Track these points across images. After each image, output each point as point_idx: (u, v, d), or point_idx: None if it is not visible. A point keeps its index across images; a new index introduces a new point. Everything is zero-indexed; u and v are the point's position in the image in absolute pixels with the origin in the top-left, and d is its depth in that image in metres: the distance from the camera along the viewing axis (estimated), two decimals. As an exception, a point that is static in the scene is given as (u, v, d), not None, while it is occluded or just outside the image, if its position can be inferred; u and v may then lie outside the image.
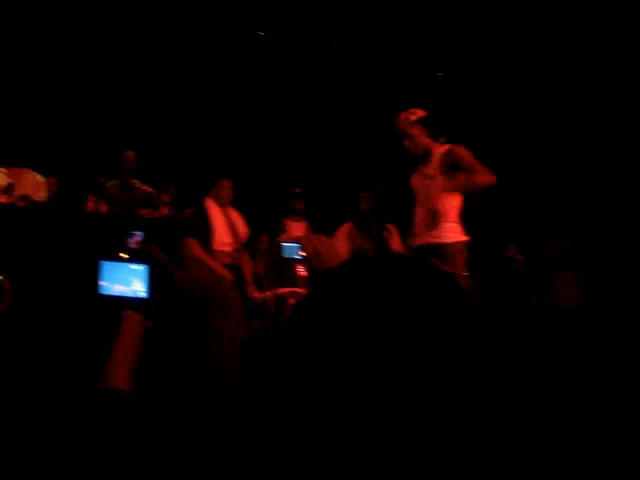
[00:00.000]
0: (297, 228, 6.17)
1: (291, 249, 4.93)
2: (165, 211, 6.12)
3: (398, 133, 4.40)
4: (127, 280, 1.88)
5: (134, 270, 1.88)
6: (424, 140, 4.33)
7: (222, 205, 5.85)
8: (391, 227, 6.26)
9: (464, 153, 4.20)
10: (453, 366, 0.78)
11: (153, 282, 1.86)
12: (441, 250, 4.13)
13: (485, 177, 4.12)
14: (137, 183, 6.37)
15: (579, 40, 6.80)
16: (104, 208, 6.04)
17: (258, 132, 7.80)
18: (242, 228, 5.95)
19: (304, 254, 4.72)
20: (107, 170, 6.45)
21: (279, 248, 5.27)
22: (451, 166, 4.20)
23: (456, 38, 7.45)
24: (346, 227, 6.23)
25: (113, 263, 1.95)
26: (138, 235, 5.44)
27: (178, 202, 6.21)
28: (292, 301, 5.78)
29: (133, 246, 5.34)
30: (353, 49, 7.86)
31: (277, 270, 5.97)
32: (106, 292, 1.93)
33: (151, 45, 7.26)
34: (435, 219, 4.22)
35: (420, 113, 4.37)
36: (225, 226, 5.79)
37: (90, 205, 5.96)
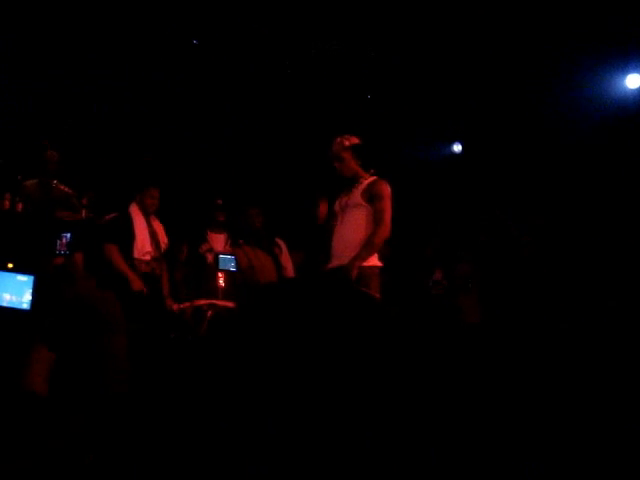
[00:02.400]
0: (218, 240, 6.13)
1: (226, 260, 4.94)
2: (83, 214, 5.98)
3: (331, 155, 4.52)
4: (12, 290, 1.84)
5: (19, 281, 1.85)
6: (353, 166, 4.48)
7: (146, 213, 5.77)
8: (280, 242, 6.34)
9: (384, 192, 4.36)
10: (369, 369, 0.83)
11: (38, 294, 1.84)
12: (358, 273, 4.19)
13: (381, 234, 4.27)
14: (56, 183, 6.19)
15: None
16: (20, 207, 5.87)
17: (184, 140, 7.74)
18: (163, 238, 5.86)
19: (238, 266, 4.69)
20: (27, 169, 6.26)
21: (216, 259, 5.25)
22: (369, 198, 4.36)
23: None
24: (242, 247, 6.13)
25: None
26: (65, 237, 5.29)
27: (97, 206, 6.10)
28: (210, 313, 5.77)
29: (62, 249, 5.21)
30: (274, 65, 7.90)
31: (196, 281, 5.94)
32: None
33: (84, 42, 7.09)
34: (353, 244, 4.31)
35: (354, 140, 4.52)
36: (147, 234, 5.70)
37: (6, 203, 5.79)
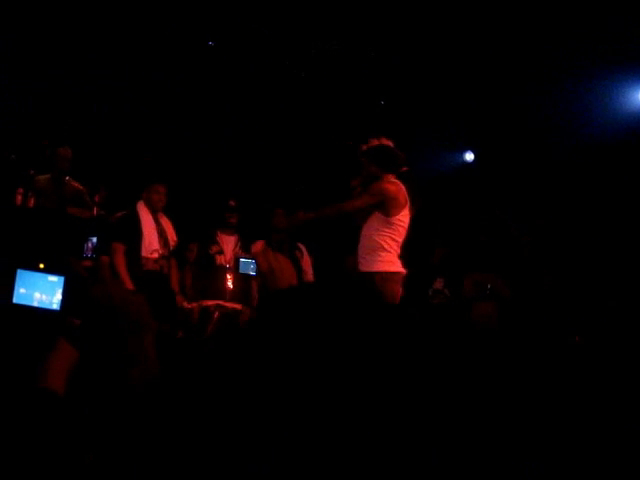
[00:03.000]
0: (228, 241, 6.10)
1: (246, 265, 4.96)
2: (94, 212, 5.99)
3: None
4: (43, 290, 1.85)
5: (50, 281, 1.85)
6: (372, 170, 4.46)
7: (154, 211, 5.73)
8: (301, 246, 6.29)
9: (374, 189, 4.37)
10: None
11: (68, 294, 1.84)
12: (371, 278, 4.22)
13: (339, 208, 4.47)
14: (68, 180, 6.21)
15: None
16: (32, 202, 5.88)
17: (198, 139, 7.76)
18: (172, 235, 5.82)
19: (258, 270, 4.72)
20: (40, 164, 6.28)
21: (237, 263, 5.22)
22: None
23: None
24: (259, 244, 6.13)
25: (30, 272, 1.91)
26: (91, 241, 5.31)
27: (109, 204, 6.10)
28: (217, 314, 5.76)
29: (88, 253, 5.22)
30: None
31: (204, 281, 5.92)
32: (20, 301, 1.90)
33: (91, 41, 7.11)
34: (368, 249, 4.34)
35: (373, 143, 4.50)
36: (155, 232, 5.65)
37: (18, 198, 5.81)
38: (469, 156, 9.05)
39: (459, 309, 6.02)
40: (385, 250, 4.30)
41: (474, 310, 5.98)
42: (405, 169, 4.50)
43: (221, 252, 5.97)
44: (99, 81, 7.21)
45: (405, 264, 4.44)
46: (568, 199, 7.68)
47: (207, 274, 5.93)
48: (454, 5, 6.81)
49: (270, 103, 7.97)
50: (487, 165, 8.72)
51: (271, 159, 8.10)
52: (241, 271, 5.02)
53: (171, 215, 5.95)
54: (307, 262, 6.22)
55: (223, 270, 5.88)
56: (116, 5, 6.75)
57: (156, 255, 5.61)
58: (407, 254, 6.80)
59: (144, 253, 5.53)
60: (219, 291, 5.84)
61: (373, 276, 4.24)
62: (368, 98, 8.11)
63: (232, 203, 6.16)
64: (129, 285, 5.27)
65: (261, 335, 0.92)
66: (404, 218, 4.39)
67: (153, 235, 5.63)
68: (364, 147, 4.53)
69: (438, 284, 6.38)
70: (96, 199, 6.05)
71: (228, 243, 6.04)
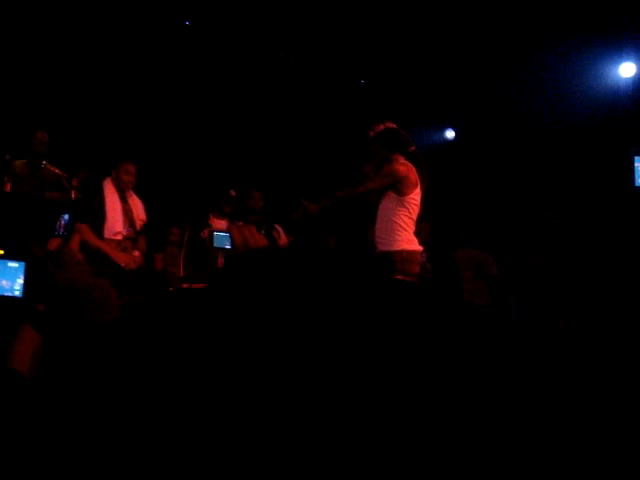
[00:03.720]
0: (220, 224, 6.00)
1: (221, 238, 4.90)
2: (73, 195, 5.90)
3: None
4: (3, 276, 1.82)
5: (11, 267, 1.82)
6: (382, 154, 4.64)
7: (121, 190, 5.52)
8: (278, 227, 6.32)
9: (386, 170, 4.55)
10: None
11: (30, 281, 1.81)
12: (392, 257, 4.42)
13: (355, 190, 4.65)
14: (45, 164, 6.12)
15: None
16: (9, 187, 5.82)
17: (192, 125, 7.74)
18: (140, 215, 5.62)
19: (233, 243, 4.65)
20: (17, 149, 6.20)
21: (211, 236, 5.17)
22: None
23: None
24: (237, 224, 6.11)
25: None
26: (63, 218, 5.15)
27: (88, 187, 6.01)
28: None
29: (60, 230, 5.08)
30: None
31: (196, 264, 5.89)
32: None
33: (65, 31, 7.02)
34: (386, 231, 4.51)
35: (378, 129, 4.68)
36: (120, 213, 5.45)
37: (-5, 183, 5.74)
38: (450, 133, 9.13)
39: (448, 283, 6.06)
40: (403, 229, 4.47)
41: (466, 286, 6.03)
42: (412, 149, 4.65)
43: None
44: (83, 65, 7.14)
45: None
46: (549, 178, 7.70)
47: (199, 256, 5.88)
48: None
49: (252, 89, 7.94)
50: (468, 142, 8.75)
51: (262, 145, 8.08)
52: (216, 244, 4.97)
53: (157, 196, 5.85)
54: (284, 242, 6.24)
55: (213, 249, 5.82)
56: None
57: (119, 237, 5.42)
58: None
59: (107, 234, 5.34)
60: (211, 272, 5.80)
61: (394, 255, 4.41)
62: (348, 78, 8.08)
63: (233, 193, 6.07)
64: (120, 257, 5.22)
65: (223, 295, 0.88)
66: (416, 196, 4.55)
67: (117, 216, 5.42)
68: (371, 133, 4.67)
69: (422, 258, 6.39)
70: (74, 183, 5.95)
71: (220, 226, 5.94)
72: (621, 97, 7.59)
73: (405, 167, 4.53)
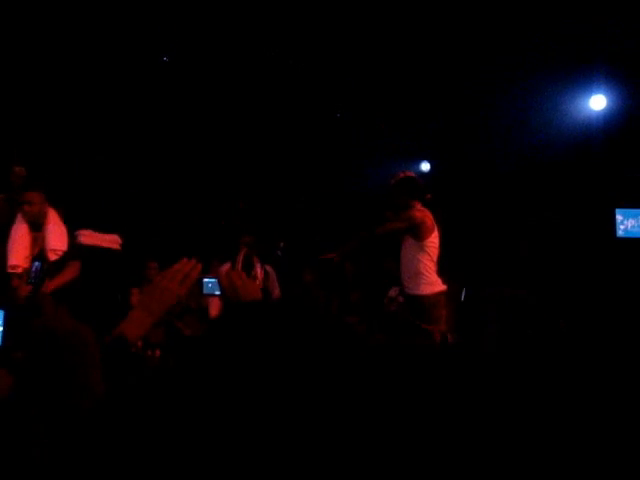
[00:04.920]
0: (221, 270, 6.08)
1: (209, 284, 4.89)
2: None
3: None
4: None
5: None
6: (403, 200, 4.95)
7: (29, 221, 5.04)
8: (269, 268, 6.29)
9: (404, 215, 4.86)
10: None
11: (9, 328, 1.81)
12: (421, 301, 4.77)
13: (377, 229, 4.91)
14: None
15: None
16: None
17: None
18: (56, 245, 5.05)
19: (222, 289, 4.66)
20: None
21: (200, 283, 5.13)
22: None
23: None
24: (226, 267, 6.02)
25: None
26: (34, 265, 4.92)
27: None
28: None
29: (31, 277, 4.87)
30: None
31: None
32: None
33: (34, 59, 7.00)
34: (408, 275, 4.87)
35: (400, 176, 5.05)
36: (20, 246, 4.98)
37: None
38: (425, 166, 9.25)
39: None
40: (425, 273, 4.79)
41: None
42: (429, 196, 4.99)
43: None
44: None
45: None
46: (523, 211, 7.81)
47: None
48: (407, 22, 6.92)
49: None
50: (443, 175, 8.86)
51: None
52: (205, 292, 4.93)
53: (135, 230, 5.75)
54: (274, 283, 6.21)
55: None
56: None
57: (19, 270, 4.94)
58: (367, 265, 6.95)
59: (8, 269, 4.92)
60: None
61: (422, 299, 4.76)
62: (325, 111, 8.16)
63: (241, 205, 5.88)
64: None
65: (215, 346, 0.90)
66: (434, 239, 4.89)
67: (17, 248, 4.98)
68: (392, 181, 5.02)
69: (393, 292, 6.52)
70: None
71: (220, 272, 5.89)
72: (593, 130, 7.74)
73: (421, 213, 4.86)
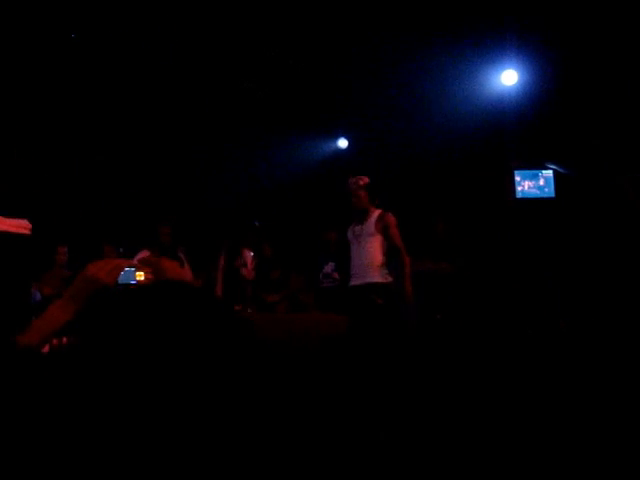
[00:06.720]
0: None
1: (127, 274, 4.73)
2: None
3: (348, 192, 5.49)
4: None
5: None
6: (366, 201, 5.43)
7: None
8: (181, 255, 6.57)
9: (393, 222, 5.31)
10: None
11: None
12: (375, 287, 5.20)
13: (406, 261, 5.25)
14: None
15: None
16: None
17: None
18: None
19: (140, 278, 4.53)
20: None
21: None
22: (381, 228, 5.31)
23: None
24: (144, 253, 6.14)
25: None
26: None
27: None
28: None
29: None
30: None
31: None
32: None
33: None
34: (373, 266, 5.26)
35: (366, 180, 5.48)
36: None
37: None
38: (343, 142, 9.25)
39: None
40: (381, 266, 5.28)
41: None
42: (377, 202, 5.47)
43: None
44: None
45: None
46: (436, 186, 7.90)
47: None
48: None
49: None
50: (360, 151, 8.89)
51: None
52: (120, 282, 4.80)
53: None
54: (186, 268, 6.38)
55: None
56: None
57: None
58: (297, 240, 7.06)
59: None
60: None
61: (387, 286, 5.22)
62: (244, 88, 8.06)
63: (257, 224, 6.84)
64: None
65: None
66: None
67: None
68: (360, 182, 5.44)
69: (328, 268, 6.61)
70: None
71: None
72: (505, 105, 7.86)
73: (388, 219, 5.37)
